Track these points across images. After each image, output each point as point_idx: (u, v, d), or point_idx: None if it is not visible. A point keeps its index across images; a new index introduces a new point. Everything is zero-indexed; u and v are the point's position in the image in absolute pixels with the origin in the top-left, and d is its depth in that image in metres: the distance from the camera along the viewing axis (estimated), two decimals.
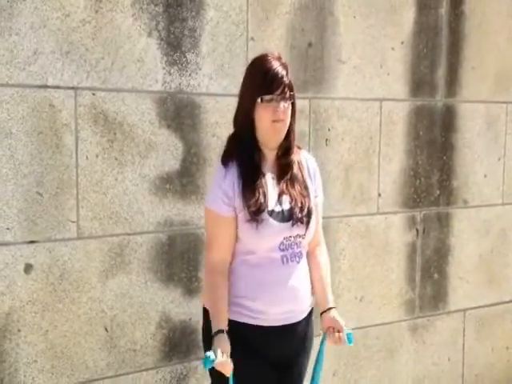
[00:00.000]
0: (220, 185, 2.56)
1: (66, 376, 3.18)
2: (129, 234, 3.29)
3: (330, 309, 2.70)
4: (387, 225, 4.15)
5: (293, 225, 2.57)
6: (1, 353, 3.03)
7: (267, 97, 2.50)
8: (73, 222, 3.14)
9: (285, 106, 2.52)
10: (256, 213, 2.50)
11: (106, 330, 3.27)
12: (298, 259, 2.63)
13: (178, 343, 3.46)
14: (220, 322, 2.50)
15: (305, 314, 2.71)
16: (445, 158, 4.35)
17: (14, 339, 3.05)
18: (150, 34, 3.24)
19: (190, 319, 3.47)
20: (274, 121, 2.52)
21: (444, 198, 4.38)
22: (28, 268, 3.05)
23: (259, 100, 2.50)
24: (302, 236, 2.62)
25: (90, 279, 3.20)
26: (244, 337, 2.56)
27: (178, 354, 3.47)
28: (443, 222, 4.40)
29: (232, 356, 2.45)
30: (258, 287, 2.56)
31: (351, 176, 3.97)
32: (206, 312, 2.69)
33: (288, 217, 2.57)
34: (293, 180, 2.63)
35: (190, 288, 3.47)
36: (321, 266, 2.76)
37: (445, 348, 4.50)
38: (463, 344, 4.58)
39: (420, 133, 4.22)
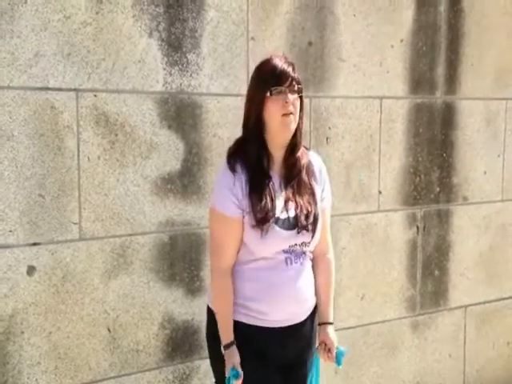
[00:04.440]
0: (230, 189, 2.53)
1: (70, 377, 3.19)
2: (131, 235, 3.29)
3: (328, 324, 2.73)
4: (388, 222, 4.16)
5: (298, 232, 2.57)
6: (4, 355, 3.04)
7: (276, 89, 2.50)
8: (75, 223, 3.14)
9: (294, 97, 2.53)
10: (262, 220, 2.50)
11: (109, 330, 3.27)
12: (301, 260, 2.62)
13: (180, 343, 3.47)
14: (230, 334, 2.57)
15: (308, 314, 2.71)
16: (444, 155, 4.36)
17: (17, 341, 3.05)
18: (150, 35, 3.24)
19: (193, 319, 3.48)
20: (283, 114, 2.51)
21: (444, 195, 4.39)
22: (31, 270, 3.05)
23: (268, 94, 2.50)
24: (307, 244, 2.62)
25: (92, 280, 3.21)
26: (249, 338, 2.58)
27: (181, 354, 3.48)
28: (443, 218, 4.40)
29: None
30: (261, 289, 2.57)
31: (352, 174, 3.97)
32: (210, 311, 2.71)
33: (294, 224, 2.57)
34: (300, 186, 2.62)
35: (192, 288, 3.47)
36: (327, 275, 2.77)
37: (446, 344, 4.51)
38: (464, 340, 4.60)
39: (420, 130, 4.22)
